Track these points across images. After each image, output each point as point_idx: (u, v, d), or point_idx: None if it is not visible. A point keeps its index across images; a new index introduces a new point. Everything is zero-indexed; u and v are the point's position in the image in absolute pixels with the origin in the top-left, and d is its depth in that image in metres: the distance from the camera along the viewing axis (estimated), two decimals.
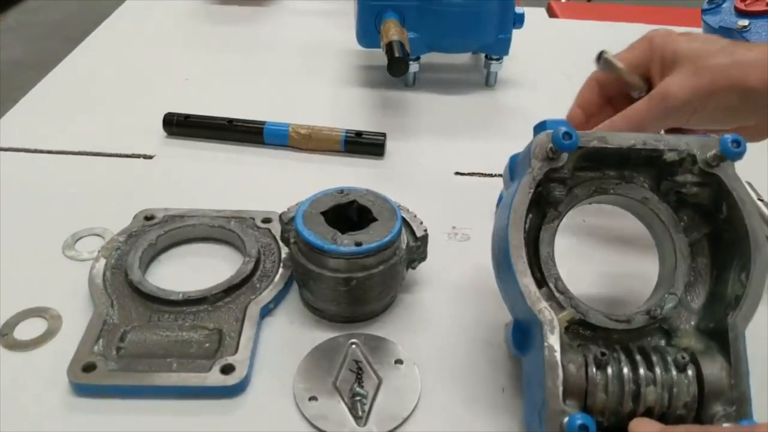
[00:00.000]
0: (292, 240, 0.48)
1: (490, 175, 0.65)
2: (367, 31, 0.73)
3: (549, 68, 0.85)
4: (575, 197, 0.43)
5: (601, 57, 0.52)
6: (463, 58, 0.85)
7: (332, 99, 0.77)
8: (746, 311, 0.38)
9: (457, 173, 0.65)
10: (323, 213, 0.48)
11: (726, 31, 0.83)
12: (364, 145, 0.66)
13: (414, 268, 0.50)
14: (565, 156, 0.40)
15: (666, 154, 0.41)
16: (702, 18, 0.87)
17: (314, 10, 0.98)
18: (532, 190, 0.40)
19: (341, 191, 0.50)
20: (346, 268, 0.45)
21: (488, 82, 0.79)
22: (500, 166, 0.65)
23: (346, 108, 0.75)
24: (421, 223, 0.50)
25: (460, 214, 0.59)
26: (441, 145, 0.69)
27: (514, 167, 0.44)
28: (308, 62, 0.84)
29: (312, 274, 0.46)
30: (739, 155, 0.39)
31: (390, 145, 0.68)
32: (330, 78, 0.81)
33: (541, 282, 0.42)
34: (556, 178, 0.41)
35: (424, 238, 0.50)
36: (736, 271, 0.40)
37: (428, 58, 0.79)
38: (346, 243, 0.45)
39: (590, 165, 0.43)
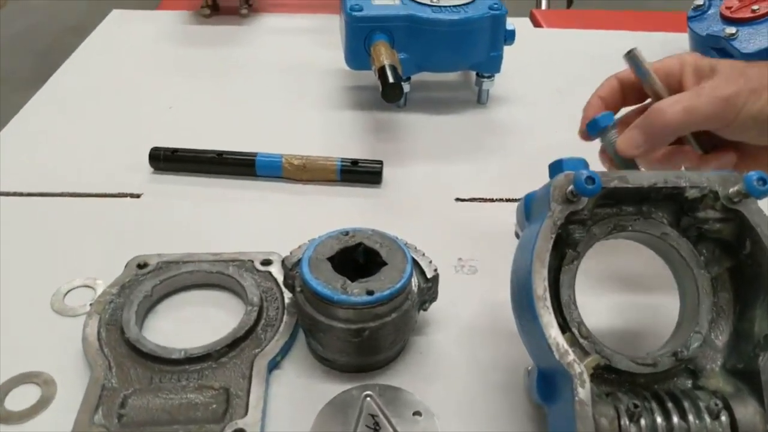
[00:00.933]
0: (298, 288, 0.46)
1: (491, 200, 0.64)
2: (357, 53, 0.71)
3: (539, 81, 0.84)
4: (593, 236, 0.42)
5: (630, 53, 0.51)
6: (453, 75, 0.83)
7: (322, 124, 0.74)
8: None
9: (457, 199, 0.64)
10: (330, 258, 0.45)
11: (714, 39, 0.82)
12: (361, 173, 0.64)
13: (426, 309, 0.48)
14: (585, 198, 0.39)
15: (688, 192, 0.40)
16: (688, 25, 0.86)
17: (294, 28, 0.95)
18: (553, 236, 0.38)
19: (346, 233, 0.48)
20: (358, 318, 0.43)
21: (480, 99, 0.78)
22: (500, 189, 0.64)
23: (337, 133, 0.73)
24: (431, 262, 0.48)
25: (465, 245, 0.58)
26: (438, 170, 0.67)
27: (530, 207, 0.43)
28: (294, 84, 0.82)
29: (321, 326, 0.44)
30: (764, 194, 0.38)
31: (386, 172, 0.66)
32: (318, 101, 0.78)
33: (563, 327, 0.40)
34: (576, 220, 0.40)
35: (435, 279, 0.48)
36: (762, 308, 0.39)
37: (418, 76, 0.77)
38: (356, 292, 0.43)
39: (608, 202, 0.42)
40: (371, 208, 0.62)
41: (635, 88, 0.52)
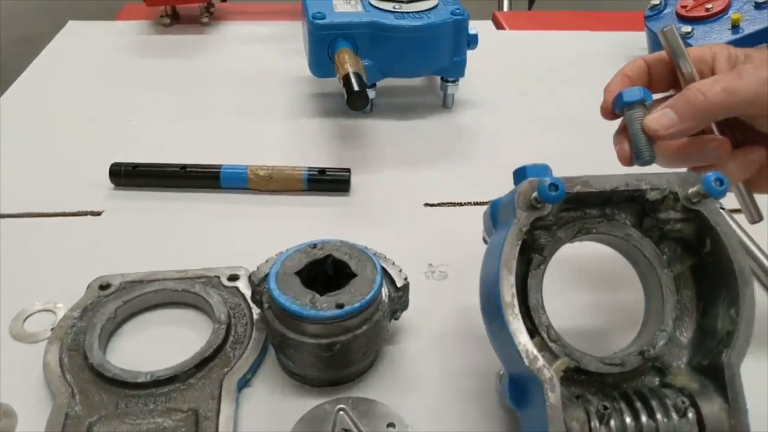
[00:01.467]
0: (266, 304, 0.45)
1: (460, 204, 0.64)
2: (321, 61, 0.70)
3: (504, 84, 0.84)
4: (559, 240, 0.42)
5: (666, 29, 0.46)
6: (418, 80, 0.83)
7: (288, 133, 0.74)
8: (740, 349, 0.38)
9: (426, 204, 0.64)
10: (298, 273, 0.45)
11: None
12: (329, 182, 0.64)
13: (397, 318, 0.48)
14: (549, 204, 0.39)
15: (649, 194, 0.40)
16: (645, 24, 0.88)
17: (257, 35, 0.95)
18: (519, 242, 0.38)
19: (314, 246, 0.47)
20: (328, 332, 0.43)
21: (445, 103, 0.78)
22: (469, 193, 0.65)
23: (303, 142, 0.72)
24: (401, 270, 0.48)
25: (435, 250, 0.58)
26: (406, 175, 0.67)
27: (496, 214, 0.43)
28: (257, 93, 0.81)
29: (291, 342, 0.43)
30: (722, 194, 0.38)
31: (355, 179, 0.65)
32: (283, 109, 0.78)
33: (532, 332, 0.40)
34: (541, 226, 0.40)
35: (406, 287, 0.48)
36: (724, 306, 0.40)
37: (383, 82, 0.77)
38: (326, 306, 0.42)
39: (573, 206, 0.42)
40: (340, 216, 0.62)
41: (663, 72, 0.48)
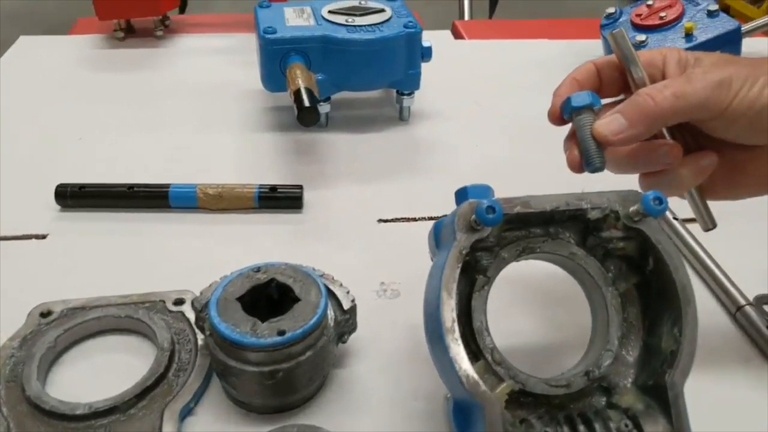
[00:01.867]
0: (207, 332, 0.44)
1: (414, 219, 0.63)
2: (273, 76, 0.70)
3: (460, 94, 0.84)
4: (503, 260, 0.41)
5: (615, 32, 0.45)
6: (375, 92, 0.83)
7: (240, 148, 0.72)
8: (683, 368, 0.38)
9: (380, 220, 0.63)
10: (240, 298, 0.44)
11: None
12: (280, 199, 0.63)
13: (344, 342, 0.47)
14: (489, 227, 0.38)
15: (589, 213, 0.40)
16: (601, 33, 0.89)
17: (212, 48, 0.93)
18: (460, 264, 0.38)
19: (257, 269, 0.46)
20: (270, 360, 0.42)
21: (402, 116, 0.78)
22: (423, 207, 0.64)
23: (257, 157, 0.71)
24: (348, 292, 0.48)
25: (388, 267, 0.57)
26: (361, 191, 0.67)
27: (439, 235, 0.42)
28: (211, 108, 0.80)
29: (233, 370, 0.42)
30: (661, 212, 0.38)
31: (308, 195, 0.65)
32: (237, 124, 0.76)
33: (477, 354, 0.40)
34: (483, 247, 0.40)
35: (353, 309, 0.47)
36: (668, 324, 0.40)
37: (339, 95, 0.76)
38: (267, 333, 0.41)
39: (516, 225, 0.41)
40: (292, 234, 0.61)
41: (613, 77, 0.47)
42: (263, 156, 0.71)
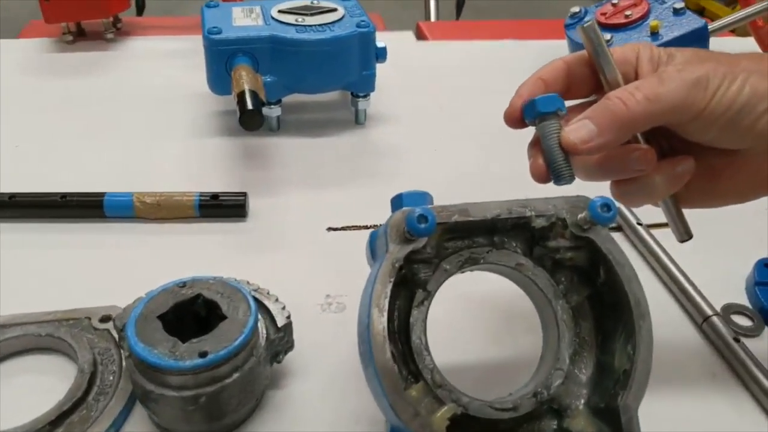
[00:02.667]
0: (126, 352, 0.40)
1: (365, 227, 0.60)
2: (219, 78, 0.66)
3: (419, 97, 0.81)
4: (444, 272, 0.38)
5: (587, 25, 0.41)
6: (330, 94, 0.79)
7: (187, 155, 0.69)
8: (636, 390, 0.35)
9: (330, 228, 0.60)
10: (161, 316, 0.40)
11: None
12: (223, 207, 0.59)
13: (279, 361, 0.44)
14: (424, 237, 0.35)
15: (534, 221, 0.37)
16: (566, 33, 0.86)
17: (164, 51, 0.89)
18: (392, 280, 0.35)
19: (183, 284, 0.43)
20: (193, 384, 0.38)
21: (358, 119, 0.74)
22: (375, 215, 0.61)
23: (202, 164, 0.67)
24: (284, 307, 0.44)
25: (335, 279, 0.54)
26: (311, 198, 0.63)
27: (375, 246, 0.39)
28: (158, 113, 0.76)
29: (151, 395, 0.39)
30: (609, 220, 0.35)
31: (254, 203, 0.61)
32: (184, 130, 0.73)
33: (416, 375, 0.37)
34: (420, 259, 0.37)
35: (288, 327, 0.43)
36: (621, 340, 0.37)
37: (293, 97, 0.73)
38: (188, 355, 0.38)
39: (458, 235, 0.38)
40: (235, 245, 0.57)
41: (584, 75, 0.43)
42: (210, 162, 0.67)
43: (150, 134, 0.72)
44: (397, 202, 0.37)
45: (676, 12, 0.79)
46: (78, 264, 0.55)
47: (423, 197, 0.37)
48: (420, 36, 1.03)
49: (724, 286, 0.53)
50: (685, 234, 0.42)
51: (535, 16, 1.12)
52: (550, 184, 0.40)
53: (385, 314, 0.34)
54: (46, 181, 0.61)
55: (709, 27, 0.79)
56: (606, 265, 0.37)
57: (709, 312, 0.50)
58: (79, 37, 0.92)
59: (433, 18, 1.21)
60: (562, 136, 0.38)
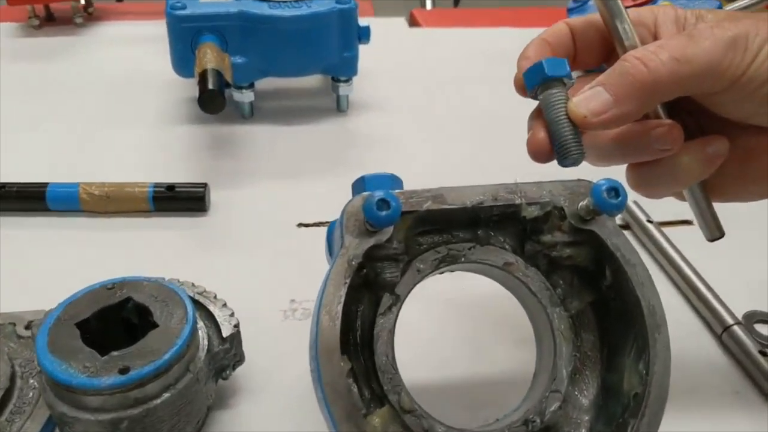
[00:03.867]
0: (37, 368, 0.34)
1: None
2: (184, 59, 0.60)
3: (408, 85, 0.75)
4: (417, 272, 0.32)
5: None
6: (311, 80, 0.73)
7: (150, 144, 0.62)
8: (650, 419, 0.28)
9: (300, 225, 0.53)
10: (81, 324, 0.34)
11: None
12: (180, 200, 0.52)
13: (225, 378, 0.37)
14: (390, 228, 0.29)
15: (525, 210, 0.30)
16: (568, 17, 0.80)
17: (135, 36, 0.83)
18: (347, 281, 0.28)
19: (112, 285, 0.36)
20: (113, 405, 0.32)
21: (339, 106, 0.68)
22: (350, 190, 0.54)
23: (165, 154, 0.61)
24: (232, 314, 0.38)
25: (302, 281, 0.47)
26: (282, 190, 0.57)
27: (332, 242, 0.32)
28: (124, 100, 0.70)
29: (65, 417, 0.32)
30: (617, 208, 0.28)
31: (218, 196, 0.55)
32: (150, 117, 0.67)
33: (381, 398, 0.30)
34: (384, 256, 0.30)
35: (235, 337, 0.37)
36: (631, 357, 0.30)
37: (269, 83, 0.67)
38: (106, 371, 0.31)
39: (434, 228, 0.32)
40: (191, 242, 0.51)
41: (593, 41, 0.36)
42: (173, 152, 0.61)
43: (110, 122, 0.66)
44: (359, 186, 0.31)
45: None
46: (13, 262, 0.48)
47: (390, 180, 0.31)
48: (413, 23, 0.96)
49: (746, 291, 0.47)
50: (716, 230, 0.35)
51: (539, 2, 1.06)
52: (551, 166, 0.32)
53: (338, 323, 0.27)
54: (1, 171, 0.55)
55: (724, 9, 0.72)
56: (613, 264, 0.30)
57: (730, 321, 0.44)
58: (49, 22, 0.87)
59: (428, 6, 1.15)
60: (570, 108, 0.32)
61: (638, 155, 0.34)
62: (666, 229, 0.52)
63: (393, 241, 0.29)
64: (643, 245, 0.53)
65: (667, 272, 0.50)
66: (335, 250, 0.31)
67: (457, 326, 0.44)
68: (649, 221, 0.53)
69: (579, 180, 0.31)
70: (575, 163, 0.31)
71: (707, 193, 0.35)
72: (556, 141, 0.32)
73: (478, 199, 0.30)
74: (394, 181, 0.31)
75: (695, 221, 0.36)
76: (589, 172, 0.35)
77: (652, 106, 0.32)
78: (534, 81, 0.33)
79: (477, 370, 0.41)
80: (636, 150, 0.33)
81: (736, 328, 0.44)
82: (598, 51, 0.36)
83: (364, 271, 0.30)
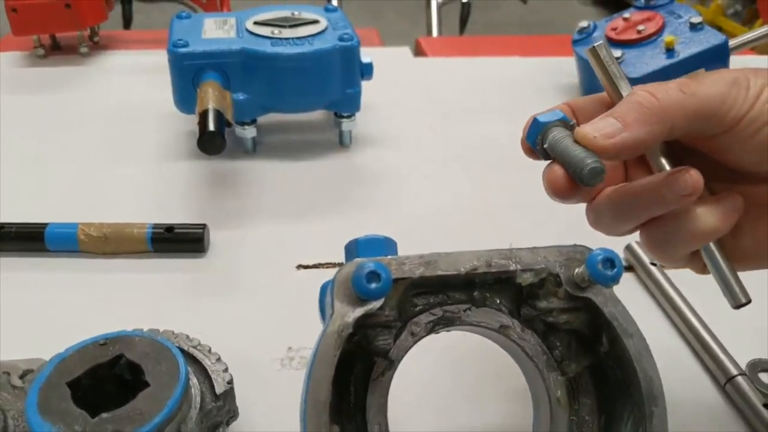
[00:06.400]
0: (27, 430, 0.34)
1: (340, 265, 0.53)
2: (186, 95, 0.60)
3: (412, 118, 0.74)
4: (411, 335, 0.31)
5: (596, 46, 0.34)
6: (314, 114, 0.73)
7: (149, 181, 0.62)
8: None
9: (300, 266, 0.53)
10: (72, 383, 0.33)
11: None
12: (178, 241, 0.52)
13: None
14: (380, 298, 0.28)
15: (519, 276, 0.30)
16: (573, 49, 0.79)
17: (139, 66, 0.83)
18: (338, 353, 0.28)
19: (104, 342, 0.36)
20: None
21: (342, 141, 0.68)
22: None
23: (165, 192, 0.61)
24: (226, 369, 0.37)
25: (300, 327, 0.46)
26: (282, 230, 0.56)
27: (324, 304, 0.32)
28: (125, 134, 0.69)
29: None
30: (612, 280, 0.28)
31: (217, 236, 0.54)
32: (150, 152, 0.66)
33: None
34: (376, 324, 0.29)
35: (228, 394, 0.36)
36: (629, 427, 0.29)
37: (273, 117, 0.67)
38: None
39: (429, 289, 0.31)
40: (189, 285, 0.50)
41: (593, 117, 0.34)
42: (173, 190, 0.61)
43: (110, 157, 0.66)
44: (351, 250, 0.30)
45: (693, 27, 0.72)
46: (10, 305, 0.48)
47: (384, 245, 0.30)
48: (419, 52, 0.96)
49: (750, 340, 0.46)
50: (740, 296, 0.33)
51: (547, 28, 1.06)
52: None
53: (326, 412, 0.27)
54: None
55: (729, 43, 0.72)
56: (610, 333, 0.30)
57: (734, 371, 0.43)
58: (54, 51, 0.87)
59: (435, 33, 1.15)
60: (578, 131, 0.31)
61: (653, 207, 0.32)
62: (670, 272, 0.52)
63: (385, 308, 0.29)
64: (647, 288, 0.52)
65: (670, 317, 0.49)
66: (327, 314, 0.30)
67: (451, 377, 0.43)
68: (653, 264, 0.52)
69: (575, 245, 0.30)
70: (596, 173, 0.30)
71: (727, 256, 0.33)
72: (570, 166, 0.31)
73: (472, 265, 0.29)
74: (387, 245, 0.30)
75: (719, 288, 0.34)
76: (576, 231, 0.34)
77: (660, 136, 0.31)
78: (533, 133, 0.32)
79: (473, 424, 0.40)
80: (651, 201, 0.32)
81: (740, 379, 0.43)
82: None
83: (356, 338, 0.29)
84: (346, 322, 0.28)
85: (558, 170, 0.31)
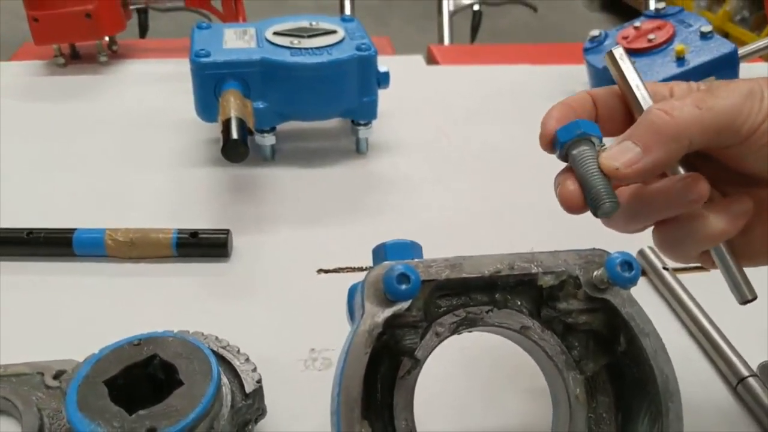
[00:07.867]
0: (66, 425, 0.35)
1: (360, 269, 0.54)
2: (207, 104, 0.62)
3: (427, 125, 0.76)
4: (436, 335, 0.32)
5: (614, 51, 0.36)
6: (332, 121, 0.74)
7: (171, 187, 0.64)
8: None
9: (320, 271, 0.54)
10: (109, 381, 0.35)
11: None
12: (202, 246, 0.54)
13: None
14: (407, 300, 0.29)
15: (541, 279, 0.31)
16: (585, 57, 0.81)
17: (159, 74, 0.85)
18: (369, 350, 0.29)
19: (138, 342, 0.37)
20: None
21: (359, 149, 0.69)
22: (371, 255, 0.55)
23: (188, 197, 0.62)
24: (254, 369, 0.39)
25: (322, 329, 0.48)
26: (303, 235, 0.58)
27: (353, 304, 0.33)
28: (146, 141, 0.71)
29: None
30: (630, 282, 0.29)
31: (240, 241, 0.56)
32: (171, 159, 0.68)
33: None
34: (404, 324, 0.31)
35: (257, 392, 0.38)
36: (645, 424, 0.31)
37: (291, 124, 0.68)
38: (134, 430, 0.32)
39: (451, 291, 0.33)
40: (213, 288, 0.52)
41: (614, 109, 0.37)
42: (196, 195, 0.63)
43: (133, 164, 0.67)
44: (380, 253, 0.32)
45: (704, 36, 0.74)
46: (40, 309, 0.49)
47: (411, 248, 0.32)
48: (431, 60, 0.98)
49: (761, 342, 0.47)
50: (746, 292, 0.34)
51: (557, 37, 1.07)
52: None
53: (358, 407, 0.28)
54: (16, 216, 0.57)
55: (739, 52, 0.73)
56: (627, 333, 0.31)
57: (745, 372, 0.44)
58: (74, 59, 0.89)
59: (446, 41, 1.16)
60: (602, 161, 0.33)
61: (662, 211, 0.34)
62: (682, 276, 0.53)
63: (413, 309, 0.30)
64: (659, 291, 0.53)
65: (682, 320, 0.50)
66: (356, 315, 0.32)
67: (470, 376, 0.45)
68: (665, 268, 0.54)
69: (593, 249, 0.31)
70: (611, 210, 0.32)
71: (734, 253, 0.35)
72: (589, 193, 0.32)
73: (495, 268, 0.30)
74: (413, 249, 0.32)
75: (726, 284, 0.35)
76: (595, 236, 0.35)
77: (680, 153, 0.33)
78: (568, 136, 0.34)
79: (492, 422, 0.42)
80: (660, 205, 0.34)
81: (751, 380, 0.44)
82: (620, 120, 0.37)
83: (384, 337, 0.30)
84: (376, 321, 0.29)
85: (573, 188, 0.33)
